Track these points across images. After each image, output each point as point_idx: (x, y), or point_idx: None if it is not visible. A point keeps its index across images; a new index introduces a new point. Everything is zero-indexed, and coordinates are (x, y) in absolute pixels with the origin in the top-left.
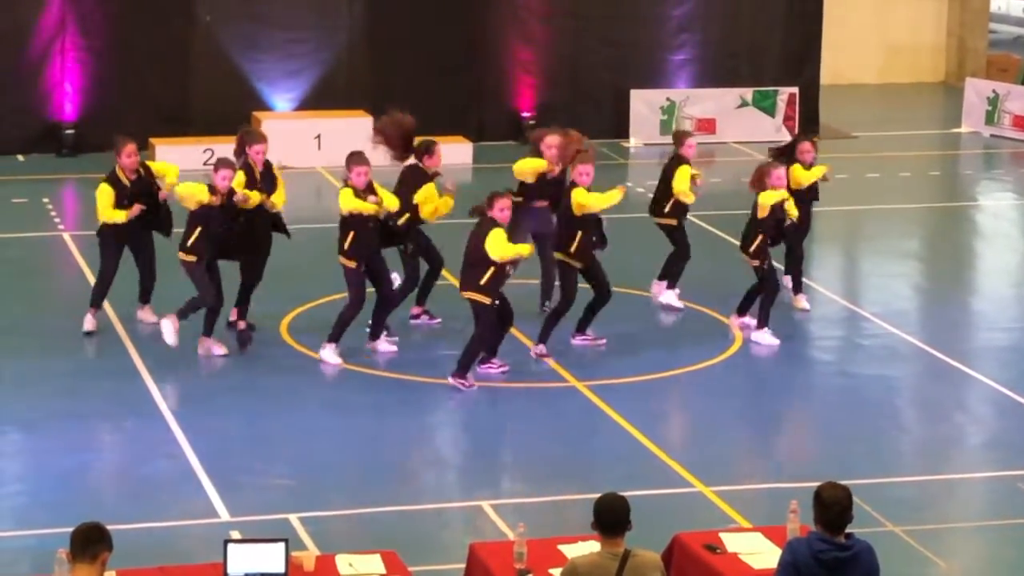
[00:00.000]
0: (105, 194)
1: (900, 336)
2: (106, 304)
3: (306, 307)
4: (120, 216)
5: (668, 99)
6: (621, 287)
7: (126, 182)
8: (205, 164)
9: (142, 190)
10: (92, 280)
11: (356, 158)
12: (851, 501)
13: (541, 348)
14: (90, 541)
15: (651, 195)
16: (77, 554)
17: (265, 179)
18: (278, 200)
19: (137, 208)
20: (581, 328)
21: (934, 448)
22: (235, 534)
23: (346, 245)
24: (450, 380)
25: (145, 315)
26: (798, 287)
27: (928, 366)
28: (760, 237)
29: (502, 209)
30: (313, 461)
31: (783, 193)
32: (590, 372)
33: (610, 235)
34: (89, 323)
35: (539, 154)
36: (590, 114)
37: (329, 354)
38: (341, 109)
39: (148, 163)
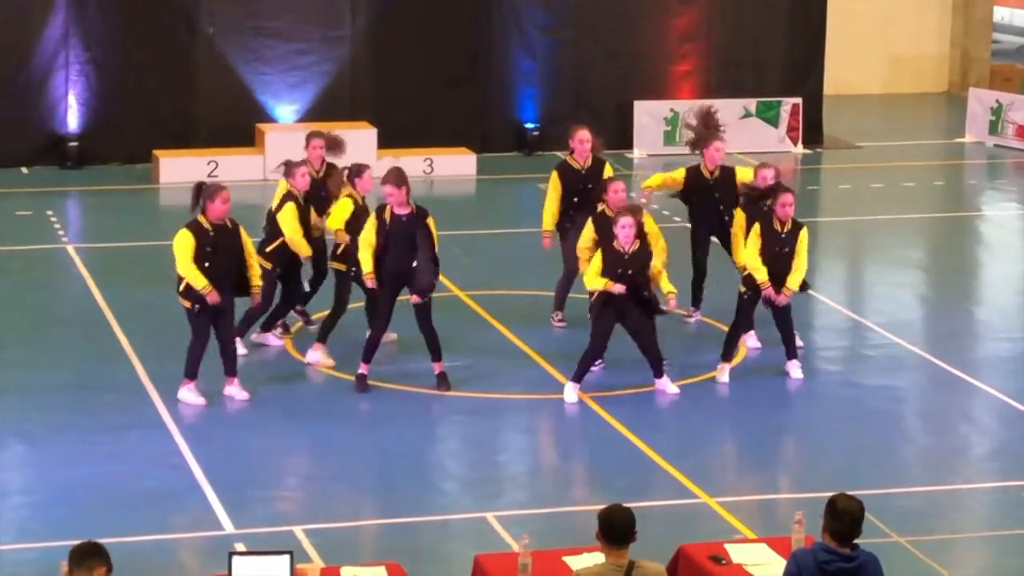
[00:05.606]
0: (185, 241)
1: (904, 346)
2: (107, 316)
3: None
4: (200, 280)
5: (672, 110)
6: None
7: (210, 229)
8: (209, 176)
9: (228, 242)
10: (96, 293)
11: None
12: (863, 515)
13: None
14: (85, 555)
15: (655, 207)
16: (74, 568)
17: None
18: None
19: (214, 296)
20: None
21: (939, 458)
22: (239, 546)
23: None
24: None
25: (234, 390)
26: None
27: (932, 376)
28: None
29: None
30: (318, 473)
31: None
32: (593, 383)
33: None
34: (194, 396)
35: None
36: (593, 125)
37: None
38: (345, 121)
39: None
